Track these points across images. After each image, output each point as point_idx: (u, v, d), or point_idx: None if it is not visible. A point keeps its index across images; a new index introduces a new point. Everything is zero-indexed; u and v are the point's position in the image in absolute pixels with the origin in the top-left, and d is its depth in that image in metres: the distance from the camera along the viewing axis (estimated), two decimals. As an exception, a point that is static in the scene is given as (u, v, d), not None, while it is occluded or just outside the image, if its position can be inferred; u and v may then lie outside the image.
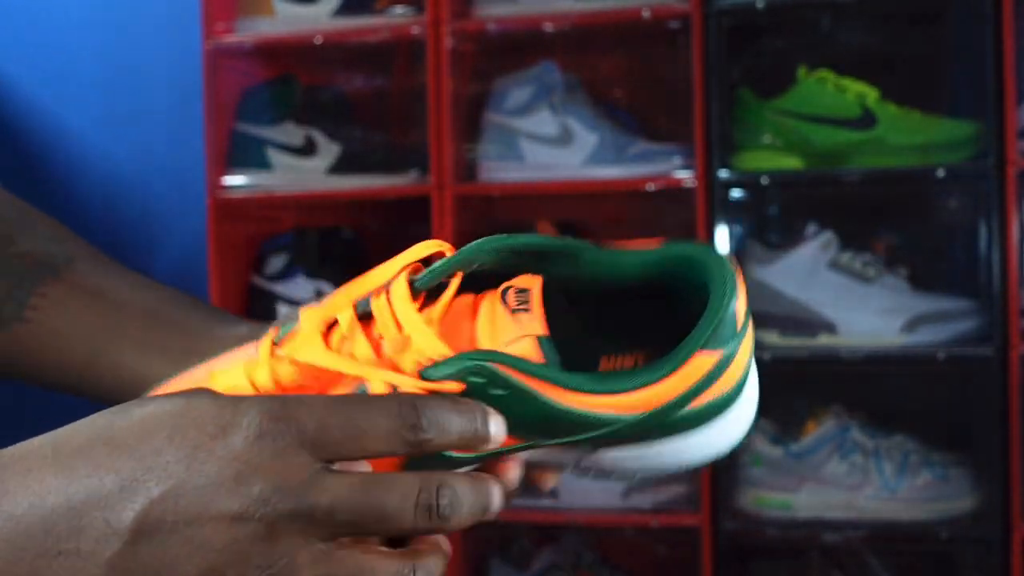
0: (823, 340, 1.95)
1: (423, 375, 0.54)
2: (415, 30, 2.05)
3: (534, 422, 0.54)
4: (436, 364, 0.54)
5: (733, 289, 0.54)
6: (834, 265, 1.98)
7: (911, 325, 1.92)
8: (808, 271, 1.97)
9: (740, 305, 0.55)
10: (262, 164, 2.15)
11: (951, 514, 1.90)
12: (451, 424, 0.53)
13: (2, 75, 2.56)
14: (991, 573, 1.88)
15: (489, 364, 0.53)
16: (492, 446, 0.54)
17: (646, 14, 1.97)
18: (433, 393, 0.54)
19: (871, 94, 1.96)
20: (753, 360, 0.57)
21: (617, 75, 2.24)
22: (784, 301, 1.97)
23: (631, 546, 2.19)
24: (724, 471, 1.96)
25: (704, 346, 0.54)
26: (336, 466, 0.51)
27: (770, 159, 1.97)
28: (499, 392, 0.53)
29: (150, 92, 2.48)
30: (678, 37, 2.00)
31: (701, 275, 0.55)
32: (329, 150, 2.15)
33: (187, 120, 2.33)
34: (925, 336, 1.91)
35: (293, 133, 2.16)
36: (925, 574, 2.06)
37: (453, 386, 0.54)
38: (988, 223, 1.90)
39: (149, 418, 0.50)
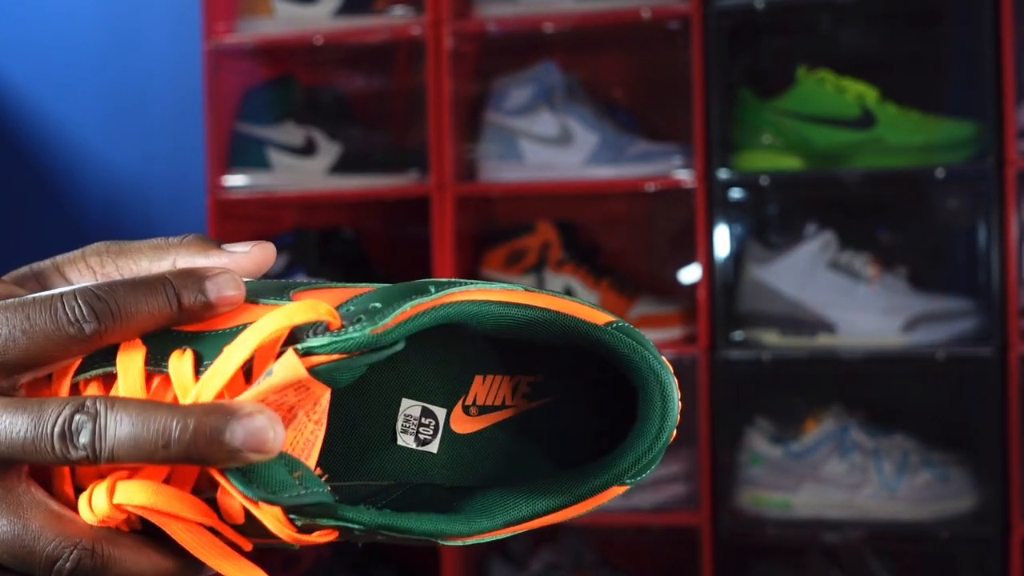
0: (822, 340, 1.95)
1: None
2: (415, 30, 2.05)
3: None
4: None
5: (673, 418, 0.46)
6: (833, 265, 1.98)
7: (910, 325, 1.92)
8: (808, 271, 1.98)
9: (673, 432, 0.46)
10: (262, 164, 2.15)
11: (950, 514, 1.90)
12: (134, 304, 0.45)
13: (4, 75, 2.56)
14: (990, 572, 1.88)
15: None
16: (209, 308, 0.46)
17: (646, 14, 1.97)
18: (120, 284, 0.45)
19: (871, 94, 1.96)
20: None
21: (617, 75, 2.24)
22: (783, 301, 1.97)
23: (631, 546, 2.19)
24: (724, 471, 1.97)
25: (623, 481, 0.46)
26: (23, 381, 0.46)
27: (770, 159, 1.97)
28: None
29: (151, 92, 2.48)
30: (678, 37, 2.00)
31: (636, 380, 0.46)
32: (329, 150, 2.15)
33: (188, 120, 2.33)
34: (924, 336, 1.92)
35: (293, 133, 2.16)
36: (925, 573, 2.06)
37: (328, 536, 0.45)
38: (987, 223, 1.90)
39: None
